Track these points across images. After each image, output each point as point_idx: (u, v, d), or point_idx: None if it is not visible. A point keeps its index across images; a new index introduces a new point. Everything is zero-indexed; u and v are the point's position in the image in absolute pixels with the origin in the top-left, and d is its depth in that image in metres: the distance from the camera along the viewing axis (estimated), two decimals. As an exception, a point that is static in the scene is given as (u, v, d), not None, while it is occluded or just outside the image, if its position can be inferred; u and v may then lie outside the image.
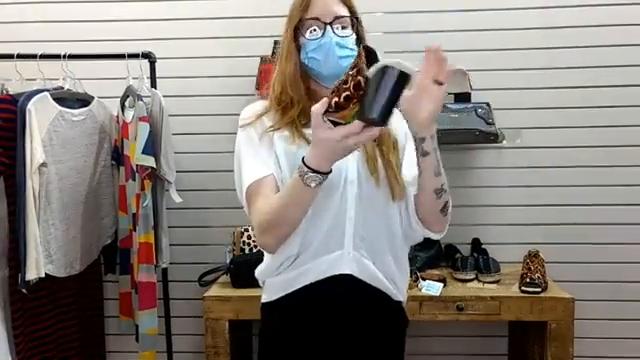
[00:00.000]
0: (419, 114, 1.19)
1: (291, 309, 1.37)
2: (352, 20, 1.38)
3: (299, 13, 1.36)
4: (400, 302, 1.42)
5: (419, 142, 1.23)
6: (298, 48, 1.38)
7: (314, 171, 1.16)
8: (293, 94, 1.37)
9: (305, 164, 1.16)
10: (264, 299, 1.42)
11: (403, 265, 1.42)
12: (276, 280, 1.38)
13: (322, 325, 1.35)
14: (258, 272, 1.43)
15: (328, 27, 1.34)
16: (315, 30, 1.35)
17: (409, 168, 1.37)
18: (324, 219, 1.31)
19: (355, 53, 1.32)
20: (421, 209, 1.35)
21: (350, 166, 1.32)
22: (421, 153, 1.24)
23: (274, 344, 1.41)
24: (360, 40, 1.39)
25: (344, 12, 1.37)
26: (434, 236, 1.40)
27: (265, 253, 1.40)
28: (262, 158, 1.34)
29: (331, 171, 1.18)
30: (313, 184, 1.17)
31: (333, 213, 1.31)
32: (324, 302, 1.34)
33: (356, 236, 1.33)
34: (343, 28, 1.36)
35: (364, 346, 1.37)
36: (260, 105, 1.44)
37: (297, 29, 1.37)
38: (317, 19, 1.35)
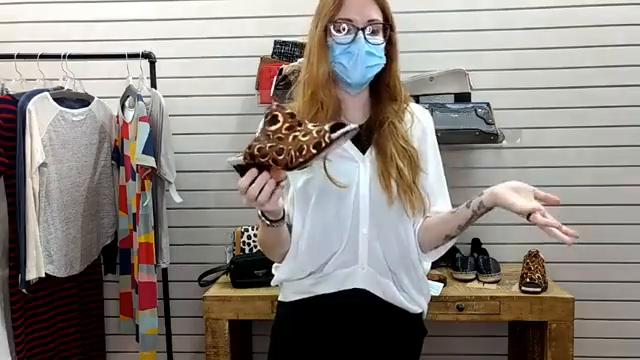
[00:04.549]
0: (507, 199, 1.26)
1: (305, 314, 1.38)
2: (385, 26, 1.32)
3: (331, 12, 1.29)
4: (417, 313, 1.42)
5: (483, 207, 1.30)
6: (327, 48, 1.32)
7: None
8: (325, 98, 1.31)
9: None
10: (281, 298, 1.44)
11: (420, 278, 1.41)
12: (292, 283, 1.39)
13: (334, 333, 1.36)
14: (275, 277, 1.44)
15: (360, 33, 1.28)
16: (346, 32, 1.29)
17: (431, 181, 1.39)
18: (341, 235, 1.32)
19: (383, 62, 1.32)
20: (422, 233, 1.39)
21: (362, 179, 1.32)
22: (472, 210, 1.30)
23: (286, 343, 1.41)
24: (391, 47, 1.33)
25: (378, 16, 1.30)
26: (425, 258, 1.43)
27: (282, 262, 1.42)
28: None
29: (278, 220, 1.23)
30: (266, 222, 1.24)
31: (347, 229, 1.32)
32: (338, 312, 1.35)
33: (370, 252, 1.33)
34: (374, 33, 1.30)
35: (377, 356, 1.37)
36: None
37: (327, 27, 1.30)
38: (350, 21, 1.28)
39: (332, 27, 1.30)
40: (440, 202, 1.42)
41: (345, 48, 1.29)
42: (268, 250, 1.40)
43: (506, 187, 1.26)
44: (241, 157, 1.14)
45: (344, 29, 1.29)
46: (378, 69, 1.33)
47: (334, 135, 1.09)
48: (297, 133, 1.12)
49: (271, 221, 1.22)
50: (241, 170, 1.14)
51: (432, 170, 1.42)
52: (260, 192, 1.10)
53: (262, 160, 1.11)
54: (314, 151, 1.09)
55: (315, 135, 1.10)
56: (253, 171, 1.12)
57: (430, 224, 1.38)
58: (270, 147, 1.11)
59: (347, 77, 1.30)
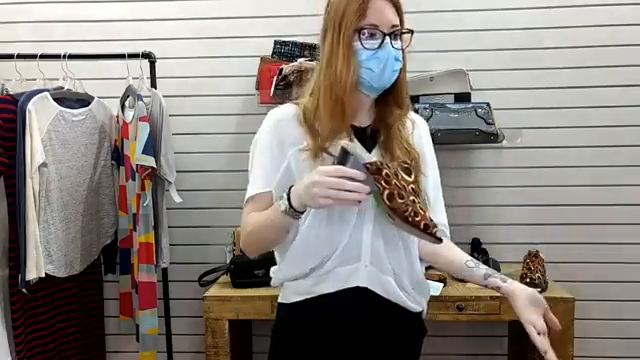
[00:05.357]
0: (520, 307, 1.30)
1: (307, 314, 1.38)
2: (402, 31, 1.33)
3: (357, 18, 1.28)
4: (418, 313, 1.43)
5: (496, 290, 1.36)
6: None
7: (289, 201, 1.22)
8: (350, 104, 1.30)
9: (289, 192, 1.22)
10: (281, 299, 1.43)
11: (420, 278, 1.43)
12: (293, 284, 1.39)
13: (337, 333, 1.36)
14: (274, 276, 1.44)
15: (387, 38, 1.29)
16: (372, 38, 1.29)
17: (430, 189, 1.41)
18: (343, 233, 1.32)
19: (401, 66, 1.34)
20: (428, 253, 1.43)
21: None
22: (486, 284, 1.37)
23: (287, 345, 1.41)
24: (403, 52, 1.34)
25: (397, 21, 1.31)
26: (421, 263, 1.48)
27: (281, 258, 1.41)
28: (269, 172, 1.34)
29: (300, 213, 1.23)
30: (282, 207, 1.23)
31: (351, 226, 1.32)
32: (340, 312, 1.35)
33: (373, 250, 1.34)
34: (395, 38, 1.31)
35: (378, 355, 1.38)
36: (290, 109, 1.39)
37: (353, 34, 1.30)
38: (376, 27, 1.28)
39: (359, 33, 1.29)
40: (437, 211, 1.44)
41: (373, 53, 1.29)
42: (260, 241, 1.37)
43: (527, 295, 1.31)
44: (365, 155, 1.17)
45: (371, 35, 1.29)
46: (398, 73, 1.34)
47: (437, 233, 1.20)
48: (416, 199, 1.19)
49: (293, 208, 1.22)
50: (343, 161, 1.15)
51: (431, 178, 1.44)
52: (345, 192, 1.12)
53: (382, 181, 1.14)
54: (421, 226, 1.17)
55: (428, 220, 1.19)
56: (366, 175, 1.13)
57: (439, 255, 1.43)
58: (396, 184, 1.16)
59: (373, 82, 1.31)
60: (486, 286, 1.37)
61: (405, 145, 1.36)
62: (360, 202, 1.15)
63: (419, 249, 1.42)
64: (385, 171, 1.15)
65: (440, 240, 1.21)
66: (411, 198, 1.18)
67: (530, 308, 1.29)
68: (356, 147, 1.18)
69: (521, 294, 1.31)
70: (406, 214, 1.16)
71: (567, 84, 2.47)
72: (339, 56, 1.30)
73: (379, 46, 1.29)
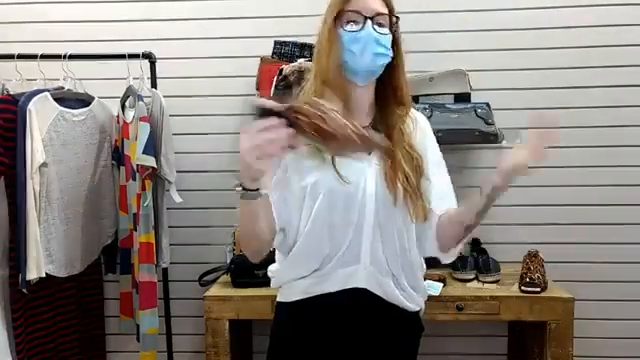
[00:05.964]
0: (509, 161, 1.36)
1: (306, 314, 1.38)
2: (391, 20, 1.35)
3: (339, 5, 1.33)
4: (415, 312, 1.44)
5: (493, 190, 1.36)
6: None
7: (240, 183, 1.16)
8: (335, 88, 1.31)
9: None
10: (280, 298, 1.44)
11: (417, 278, 1.43)
12: (292, 283, 1.39)
13: (335, 332, 1.36)
14: (273, 276, 1.44)
15: (368, 21, 1.31)
16: (354, 23, 1.32)
17: (436, 185, 1.42)
18: (345, 234, 1.33)
19: (390, 54, 1.35)
20: (442, 231, 1.42)
21: (369, 179, 1.33)
22: (486, 196, 1.36)
23: (286, 344, 1.42)
24: (396, 45, 1.36)
25: (384, 10, 1.34)
26: (444, 259, 1.47)
27: (281, 258, 1.41)
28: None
29: (256, 190, 1.16)
30: (239, 194, 1.17)
31: (352, 227, 1.33)
32: (339, 312, 1.36)
33: (372, 251, 1.34)
34: (381, 26, 1.33)
35: (376, 355, 1.38)
36: None
37: (336, 21, 1.33)
38: (358, 12, 1.32)
39: (341, 19, 1.33)
40: (452, 204, 1.47)
41: (354, 35, 1.31)
42: (248, 239, 1.32)
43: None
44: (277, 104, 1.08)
45: (353, 20, 1.32)
46: (385, 60, 1.34)
47: (372, 135, 1.15)
48: (339, 118, 1.10)
49: (246, 190, 1.16)
50: (263, 116, 1.07)
51: (442, 173, 1.46)
52: (270, 144, 1.06)
53: (300, 116, 1.07)
54: (356, 138, 1.11)
55: (358, 128, 1.11)
56: (283, 121, 1.06)
57: (448, 220, 1.42)
58: (315, 114, 1.08)
59: (355, 64, 1.32)
60: (488, 196, 1.37)
61: (407, 148, 1.37)
62: (293, 148, 1.09)
63: (438, 239, 1.42)
64: (296, 106, 1.08)
65: (369, 140, 1.15)
66: (340, 119, 1.10)
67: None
68: (265, 101, 1.10)
69: (504, 162, 1.39)
70: (333, 131, 1.09)
71: (567, 84, 2.47)
72: (323, 42, 1.33)
73: (360, 29, 1.31)
